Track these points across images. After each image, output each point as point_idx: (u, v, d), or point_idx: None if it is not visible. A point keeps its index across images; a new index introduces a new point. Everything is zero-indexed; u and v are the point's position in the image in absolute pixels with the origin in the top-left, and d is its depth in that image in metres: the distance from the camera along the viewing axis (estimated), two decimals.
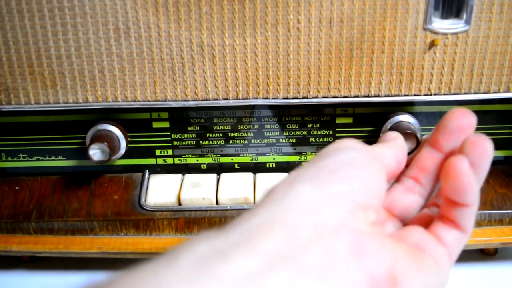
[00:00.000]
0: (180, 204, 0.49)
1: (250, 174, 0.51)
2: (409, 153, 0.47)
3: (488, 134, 0.50)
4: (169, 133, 0.50)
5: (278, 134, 0.50)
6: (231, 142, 0.50)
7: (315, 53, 0.45)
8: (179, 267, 0.24)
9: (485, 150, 0.33)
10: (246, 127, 0.49)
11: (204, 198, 0.49)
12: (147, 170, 0.51)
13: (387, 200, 0.36)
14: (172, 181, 0.50)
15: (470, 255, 0.51)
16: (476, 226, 0.48)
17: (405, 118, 0.48)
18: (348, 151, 0.33)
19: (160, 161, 0.51)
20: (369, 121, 0.49)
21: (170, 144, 0.50)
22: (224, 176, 0.51)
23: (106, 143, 0.46)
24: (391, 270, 0.29)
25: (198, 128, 0.49)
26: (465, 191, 0.31)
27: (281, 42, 0.44)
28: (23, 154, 0.51)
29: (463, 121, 0.35)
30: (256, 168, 0.51)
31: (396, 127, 0.47)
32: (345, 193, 0.30)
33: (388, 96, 0.47)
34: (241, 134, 0.50)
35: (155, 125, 0.49)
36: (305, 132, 0.50)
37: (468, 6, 0.43)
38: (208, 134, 0.50)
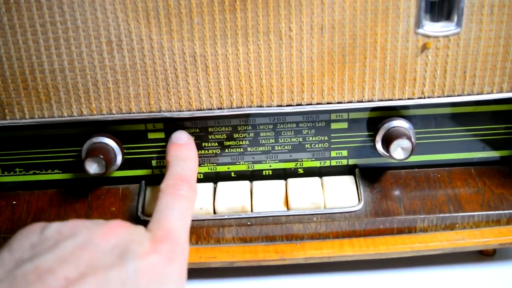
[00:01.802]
0: None
1: (247, 182, 0.51)
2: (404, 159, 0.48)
3: (484, 135, 0.50)
4: (164, 144, 0.50)
5: (273, 141, 0.50)
6: (226, 150, 0.50)
7: (308, 60, 0.45)
8: None
9: None
10: (241, 135, 0.50)
11: (201, 208, 0.49)
12: (143, 181, 0.51)
13: None
14: None
15: (469, 256, 0.52)
16: (474, 227, 0.48)
17: (399, 122, 0.48)
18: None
19: (156, 171, 0.51)
20: (364, 125, 0.49)
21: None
22: (221, 185, 0.51)
23: (102, 156, 0.46)
24: None
25: (193, 138, 0.49)
26: None
27: (273, 50, 0.44)
28: (19, 169, 0.51)
29: None
30: (253, 176, 0.52)
31: (390, 132, 0.47)
32: None
33: (382, 100, 0.47)
34: (237, 143, 0.50)
35: (151, 136, 0.49)
36: (301, 139, 0.50)
37: (458, 9, 0.43)
38: (203, 144, 0.50)
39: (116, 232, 0.36)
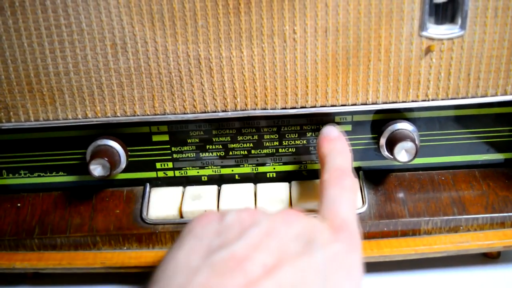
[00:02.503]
0: (181, 216, 0.49)
1: (251, 185, 0.51)
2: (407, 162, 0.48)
3: (488, 137, 0.50)
4: (169, 146, 0.50)
5: (277, 144, 0.50)
6: (231, 153, 0.50)
7: (312, 63, 0.45)
8: None
9: None
10: (245, 138, 0.50)
11: (205, 210, 0.49)
12: (148, 184, 0.51)
13: None
14: (173, 193, 0.51)
15: (473, 259, 0.51)
16: (478, 229, 0.48)
17: (403, 125, 0.48)
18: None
19: (160, 174, 0.51)
20: (368, 128, 0.49)
21: (170, 157, 0.50)
22: (225, 187, 0.51)
23: (106, 158, 0.47)
24: None
25: (197, 140, 0.50)
26: None
27: (277, 52, 0.44)
28: (24, 171, 0.51)
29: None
30: (257, 178, 0.52)
31: (395, 135, 0.47)
32: None
33: (386, 103, 0.47)
34: (241, 145, 0.50)
35: (155, 138, 0.49)
36: (305, 141, 0.50)
37: (462, 11, 0.43)
38: (207, 146, 0.50)
39: (296, 221, 0.36)
